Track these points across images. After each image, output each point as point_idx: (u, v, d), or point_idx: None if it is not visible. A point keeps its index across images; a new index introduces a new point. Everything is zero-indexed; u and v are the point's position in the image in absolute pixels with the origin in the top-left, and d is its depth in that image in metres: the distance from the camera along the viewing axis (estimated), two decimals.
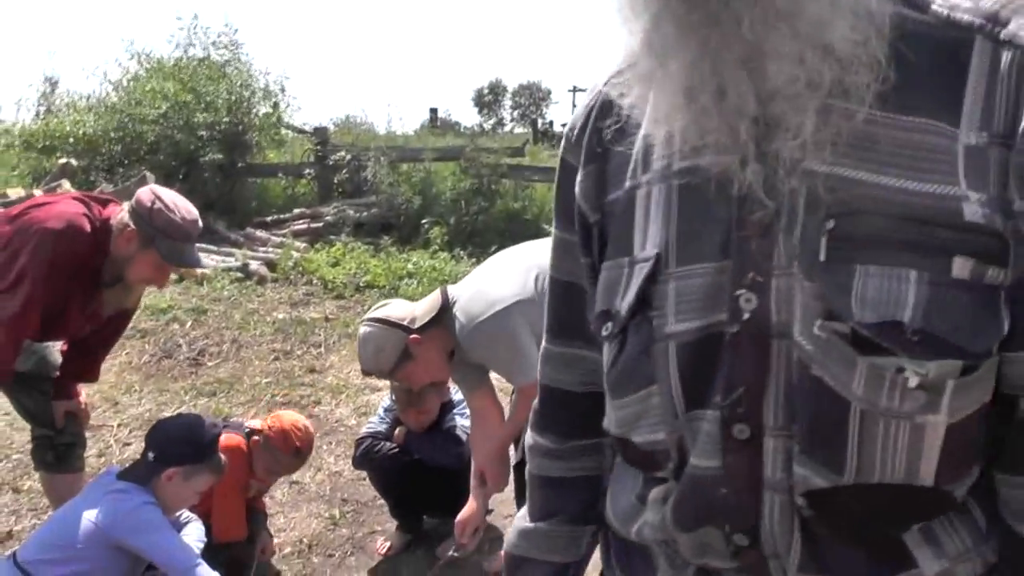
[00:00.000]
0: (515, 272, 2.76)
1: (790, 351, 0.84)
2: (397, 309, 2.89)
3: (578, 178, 1.05)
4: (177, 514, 2.95)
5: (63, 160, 11.18)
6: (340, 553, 3.65)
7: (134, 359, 6.23)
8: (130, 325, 6.77)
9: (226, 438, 3.08)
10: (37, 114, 15.27)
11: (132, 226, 2.88)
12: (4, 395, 3.36)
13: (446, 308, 2.78)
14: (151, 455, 2.84)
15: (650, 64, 0.86)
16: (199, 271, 8.45)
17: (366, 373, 3.04)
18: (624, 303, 0.96)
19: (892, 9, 0.81)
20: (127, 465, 2.98)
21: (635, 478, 1.04)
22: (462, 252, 9.46)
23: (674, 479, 0.95)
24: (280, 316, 7.48)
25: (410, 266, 8.76)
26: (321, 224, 11.05)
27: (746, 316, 0.86)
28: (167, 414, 5.14)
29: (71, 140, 11.71)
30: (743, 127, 0.82)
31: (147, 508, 2.74)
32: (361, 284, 8.43)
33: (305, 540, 3.74)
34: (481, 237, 10.07)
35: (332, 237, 10.34)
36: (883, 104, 0.80)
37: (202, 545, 2.90)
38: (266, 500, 4.01)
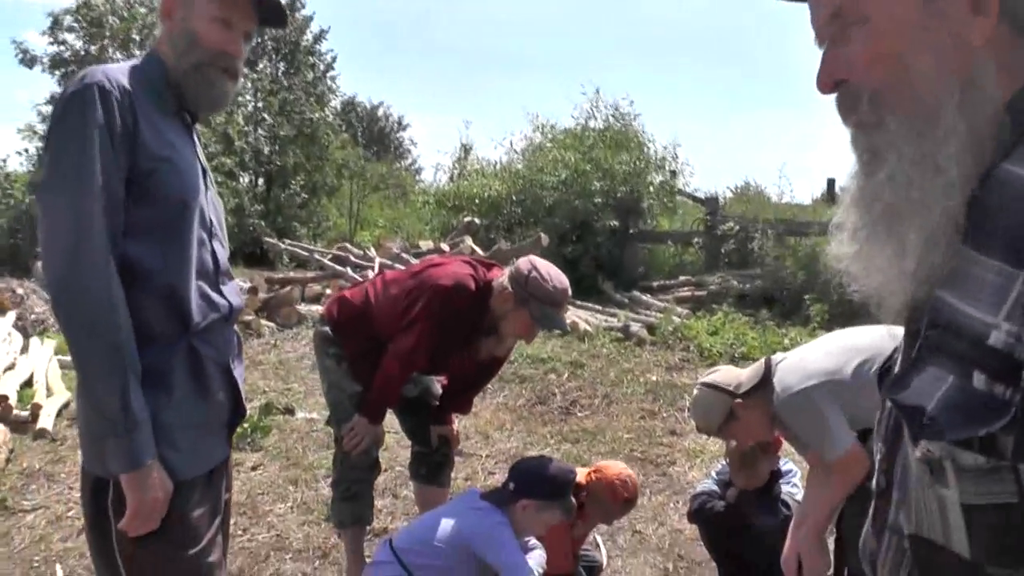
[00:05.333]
0: (837, 351, 2.83)
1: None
2: (725, 375, 3.14)
3: None
4: (525, 539, 3.27)
5: (468, 218, 12.53)
6: None
7: (510, 401, 6.82)
8: (512, 371, 7.54)
9: None
10: (451, 177, 17.27)
11: (510, 288, 3.33)
12: (394, 415, 3.92)
13: (768, 377, 2.92)
14: (512, 484, 3.22)
15: None
16: (582, 328, 9.02)
17: (698, 429, 3.26)
18: None
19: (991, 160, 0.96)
20: (489, 489, 3.37)
21: None
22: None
23: None
24: (653, 378, 7.73)
25: (787, 341, 8.59)
26: (704, 293, 11.24)
27: None
28: (531, 453, 5.58)
29: (476, 201, 13.09)
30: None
31: (502, 527, 3.10)
32: (736, 355, 8.44)
33: None
34: (864, 319, 9.59)
35: (714, 306, 10.47)
36: (965, 239, 0.96)
37: (541, 572, 3.19)
38: (608, 544, 4.25)
